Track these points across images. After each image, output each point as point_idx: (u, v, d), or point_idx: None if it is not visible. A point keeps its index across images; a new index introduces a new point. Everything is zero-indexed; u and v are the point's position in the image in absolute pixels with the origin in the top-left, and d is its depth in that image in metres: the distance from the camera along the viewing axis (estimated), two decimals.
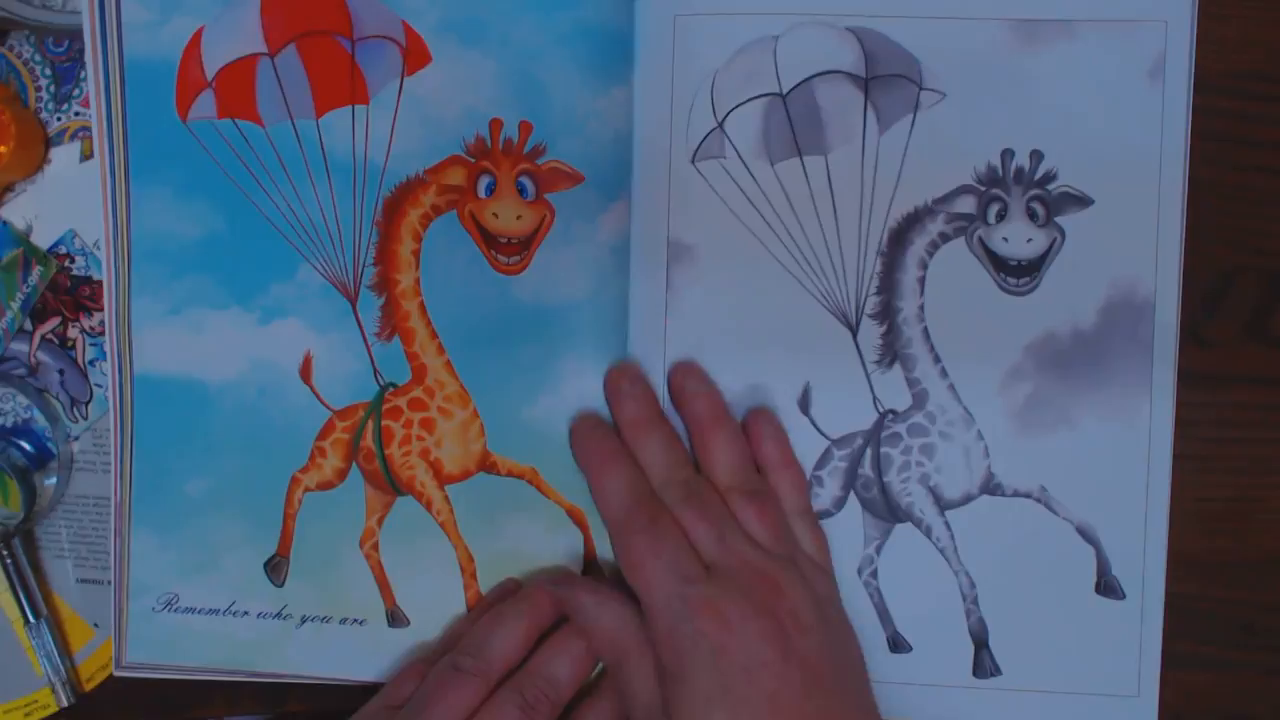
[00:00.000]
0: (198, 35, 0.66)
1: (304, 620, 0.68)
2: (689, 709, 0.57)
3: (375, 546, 0.68)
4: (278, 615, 0.68)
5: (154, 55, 0.66)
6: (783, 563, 0.60)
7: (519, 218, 0.66)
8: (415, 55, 0.66)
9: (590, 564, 0.67)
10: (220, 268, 0.67)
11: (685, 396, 0.65)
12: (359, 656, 0.68)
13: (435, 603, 0.68)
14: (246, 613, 0.68)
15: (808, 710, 0.57)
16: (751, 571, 0.59)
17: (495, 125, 0.66)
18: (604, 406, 0.66)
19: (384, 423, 0.67)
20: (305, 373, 0.67)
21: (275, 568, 0.68)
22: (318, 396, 0.67)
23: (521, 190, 0.66)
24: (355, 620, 0.68)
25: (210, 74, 0.66)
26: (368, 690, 0.67)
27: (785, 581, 0.59)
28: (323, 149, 0.66)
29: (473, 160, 0.66)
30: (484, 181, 0.66)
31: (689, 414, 0.65)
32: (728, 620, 0.57)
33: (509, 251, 0.66)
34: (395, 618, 0.68)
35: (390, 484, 0.68)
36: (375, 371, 0.67)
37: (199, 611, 0.68)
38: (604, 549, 0.67)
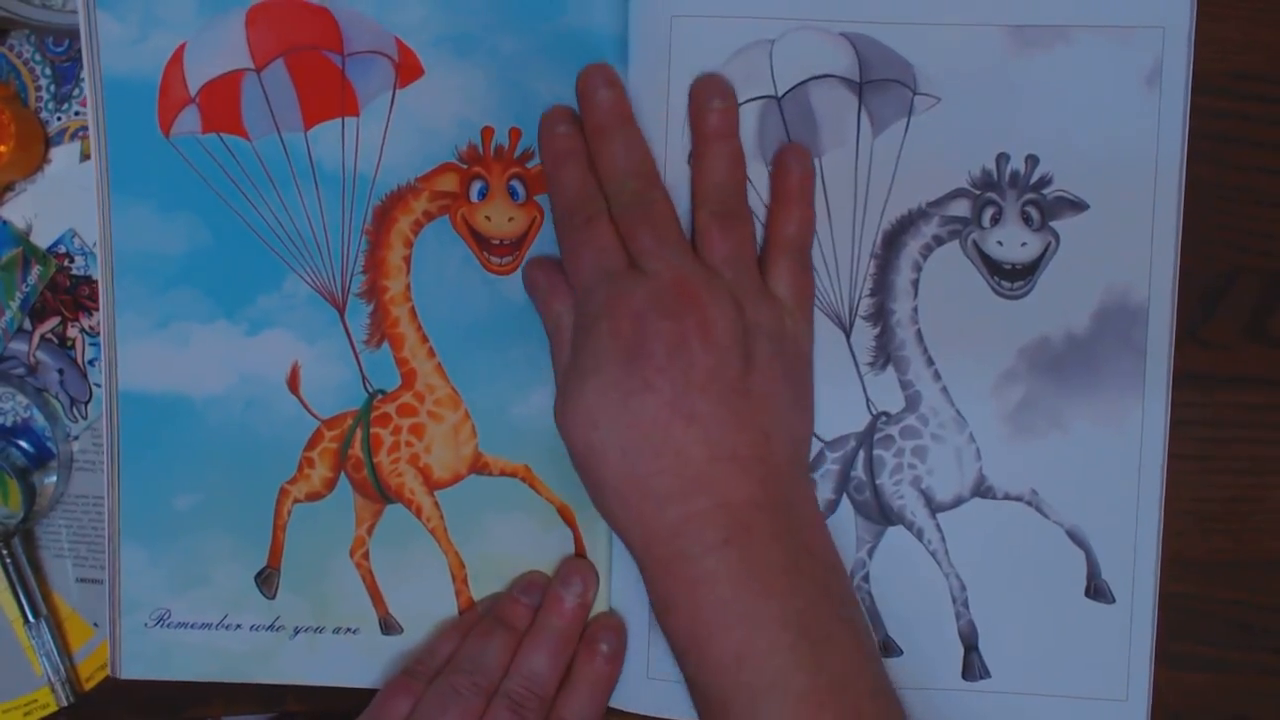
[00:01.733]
0: (179, 51, 0.65)
1: (297, 631, 0.68)
2: (571, 379, 0.60)
3: (366, 555, 0.68)
4: (270, 627, 0.68)
5: (133, 71, 0.66)
6: (718, 281, 0.60)
7: (511, 220, 0.66)
8: (407, 69, 0.66)
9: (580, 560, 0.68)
10: (206, 281, 0.67)
11: (698, 109, 0.64)
12: (353, 665, 0.68)
13: (427, 610, 0.68)
14: (239, 626, 0.68)
15: (672, 417, 0.57)
16: (675, 279, 0.59)
17: (487, 133, 0.66)
18: None
19: (373, 430, 0.68)
20: (293, 383, 0.67)
21: (266, 580, 0.68)
22: (306, 407, 0.67)
23: (513, 193, 0.66)
24: (348, 629, 0.68)
25: (193, 89, 0.66)
26: (365, 691, 0.68)
27: (708, 296, 0.59)
28: (311, 161, 0.66)
29: (465, 166, 0.66)
30: (476, 186, 0.66)
31: (696, 127, 0.64)
32: (631, 310, 0.58)
33: (501, 253, 0.67)
34: (388, 626, 0.68)
35: (379, 492, 0.68)
36: (364, 379, 0.67)
37: (191, 626, 0.68)
38: (593, 546, 0.68)
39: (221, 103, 0.66)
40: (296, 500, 0.68)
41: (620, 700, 0.67)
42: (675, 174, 0.65)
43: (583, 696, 0.65)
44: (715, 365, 0.58)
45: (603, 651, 0.66)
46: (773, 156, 0.65)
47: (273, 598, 0.68)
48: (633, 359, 0.58)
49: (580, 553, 0.68)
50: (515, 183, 0.66)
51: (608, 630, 0.66)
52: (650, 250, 0.60)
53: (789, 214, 0.64)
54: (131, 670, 0.69)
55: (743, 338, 0.59)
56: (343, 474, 0.68)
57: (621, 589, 0.67)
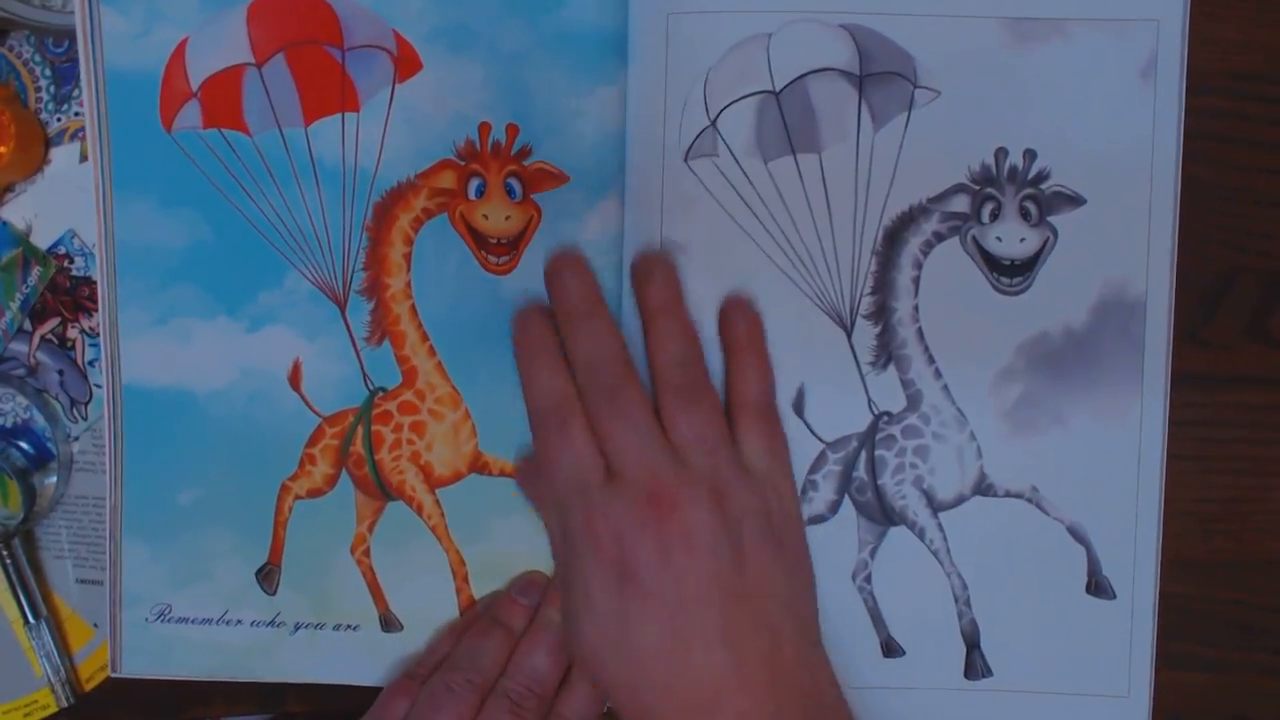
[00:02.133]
0: (181, 46, 0.66)
1: (297, 627, 0.68)
2: (569, 608, 0.59)
3: (366, 553, 0.68)
4: (271, 623, 0.68)
5: (136, 66, 0.66)
6: (692, 473, 0.59)
7: (507, 218, 0.66)
8: (406, 63, 0.66)
9: None
10: (207, 277, 0.67)
11: (639, 284, 0.64)
12: (354, 662, 0.68)
13: (428, 607, 0.68)
14: (240, 621, 0.68)
15: (674, 646, 0.56)
16: (651, 482, 0.57)
17: (484, 129, 0.66)
18: None
19: (374, 427, 0.68)
20: (294, 380, 0.67)
21: (267, 576, 0.68)
22: (307, 403, 0.67)
23: (509, 191, 0.66)
24: (349, 626, 0.68)
25: (195, 84, 0.66)
26: (366, 691, 0.68)
27: (687, 495, 0.57)
28: (311, 156, 0.66)
29: (463, 163, 0.66)
30: (474, 184, 0.66)
31: (641, 301, 0.63)
32: (611, 530, 0.57)
33: (499, 252, 0.66)
34: (388, 623, 0.68)
35: (380, 489, 0.68)
36: (364, 376, 0.67)
37: (192, 621, 0.68)
38: None
39: (223, 98, 0.66)
40: (298, 496, 0.68)
41: None
42: (673, 172, 0.65)
43: (583, 696, 0.65)
44: (706, 572, 0.57)
45: (520, 601, 0.66)
46: (719, 310, 0.65)
47: (273, 594, 0.68)
48: (622, 584, 0.56)
49: None
50: (512, 180, 0.66)
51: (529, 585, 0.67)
52: (624, 448, 0.58)
53: (745, 369, 0.63)
54: (132, 666, 0.69)
55: (728, 531, 0.57)
56: (344, 471, 0.68)
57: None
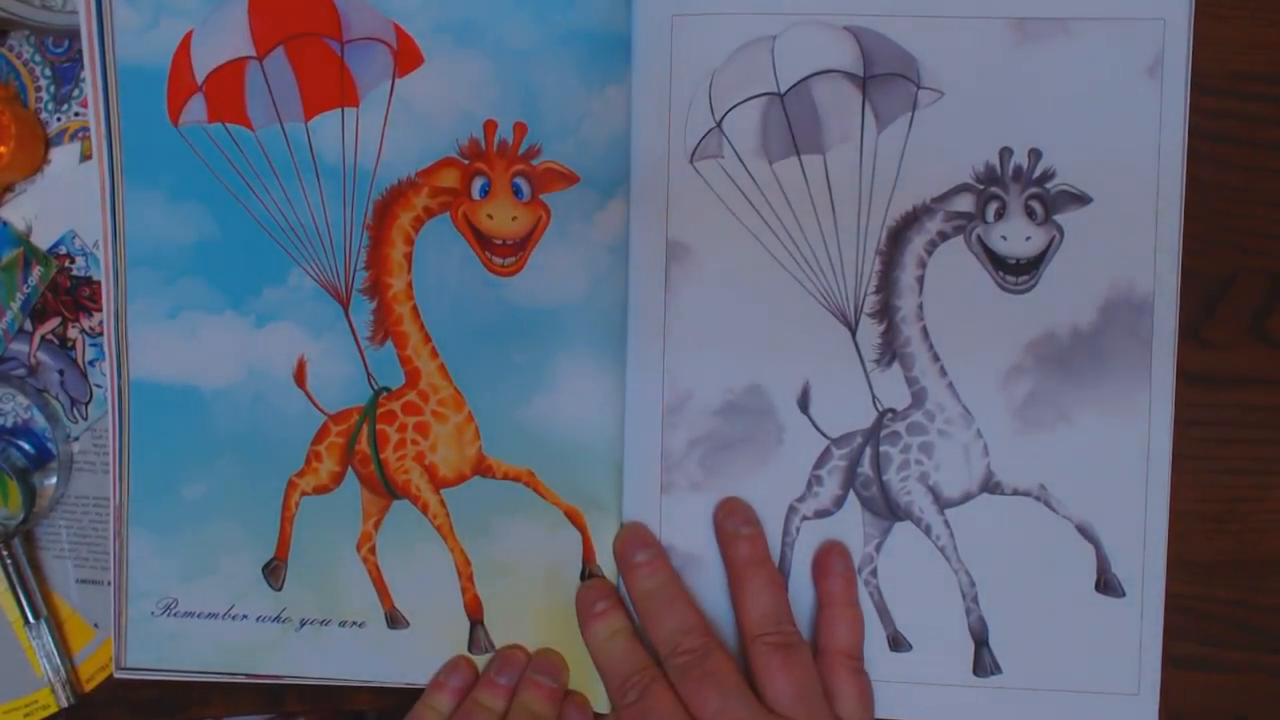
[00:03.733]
0: (187, 38, 0.66)
1: (303, 623, 0.68)
2: None
3: (372, 550, 0.68)
4: (276, 619, 0.68)
5: (145, 59, 0.66)
6: None
7: (514, 219, 0.66)
8: (406, 57, 0.66)
9: (589, 564, 0.67)
10: (214, 272, 0.67)
11: (727, 537, 0.65)
12: (359, 658, 0.68)
13: (433, 605, 0.68)
14: (245, 616, 0.68)
15: None
16: None
17: (489, 127, 0.66)
18: (600, 408, 0.67)
19: (378, 427, 0.67)
20: (299, 377, 0.67)
21: (273, 571, 0.68)
22: (312, 401, 0.67)
23: (516, 191, 0.66)
24: (354, 623, 0.68)
25: (200, 77, 0.66)
26: (366, 691, 0.68)
27: None
28: (312, 152, 0.66)
29: (466, 162, 0.66)
30: (478, 183, 0.66)
31: (730, 556, 0.65)
32: None
33: (504, 253, 0.66)
34: (394, 620, 0.68)
35: (386, 488, 0.68)
36: (369, 376, 0.67)
37: (198, 615, 0.68)
38: (603, 550, 0.67)
39: (226, 91, 0.66)
40: (304, 493, 0.68)
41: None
42: (679, 174, 0.65)
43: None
44: None
45: (545, 683, 0.66)
46: (813, 557, 0.66)
47: (279, 589, 0.68)
48: None
49: (589, 556, 0.67)
50: (519, 180, 0.66)
51: (550, 668, 0.67)
52: (718, 712, 0.59)
53: (840, 621, 0.64)
54: (136, 659, 0.69)
55: None
56: (350, 469, 0.68)
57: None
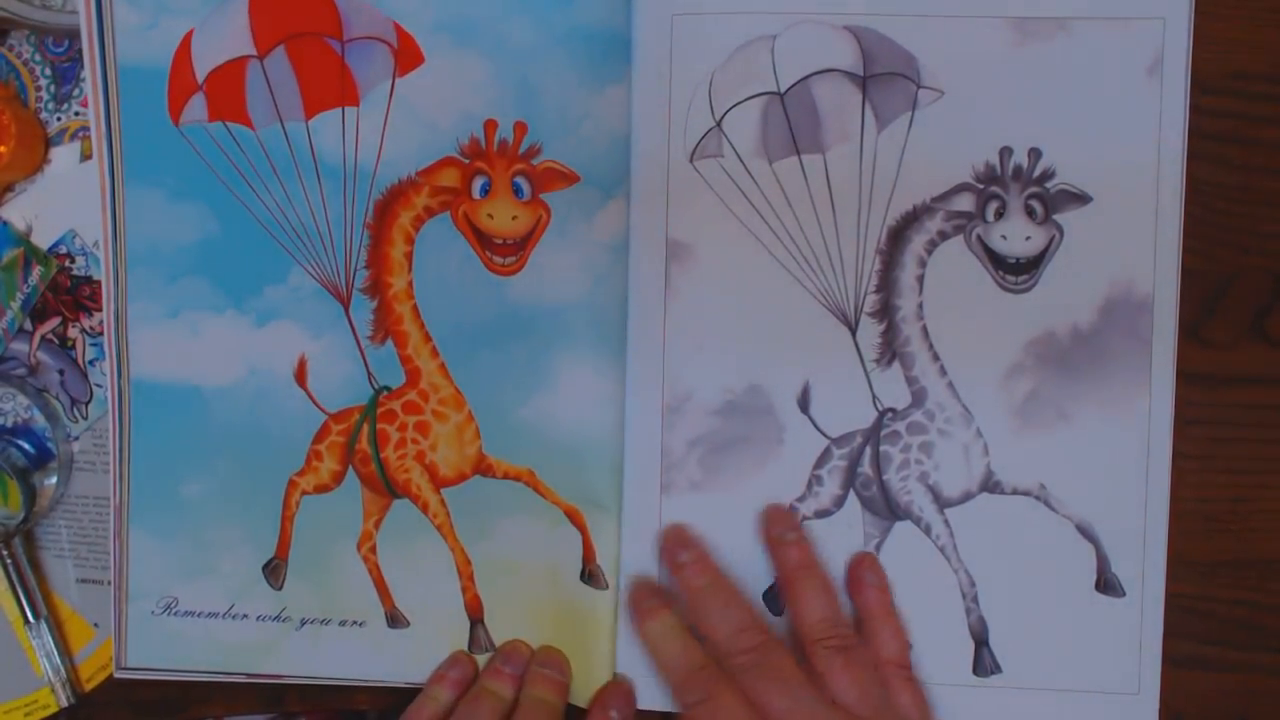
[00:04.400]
0: (188, 38, 0.66)
1: (303, 622, 0.68)
2: None
3: (373, 549, 0.68)
4: (277, 618, 0.68)
5: (146, 58, 0.66)
6: None
7: (514, 218, 0.66)
8: (407, 56, 0.66)
9: (588, 564, 0.67)
10: (215, 271, 0.67)
11: (777, 543, 0.65)
12: (359, 657, 0.68)
13: (434, 604, 0.68)
14: (246, 615, 0.68)
15: None
16: None
17: (490, 126, 0.66)
18: (600, 407, 0.67)
19: (379, 426, 0.67)
20: (300, 376, 0.67)
21: (274, 570, 0.68)
22: (312, 400, 0.67)
23: (517, 191, 0.66)
24: (355, 622, 0.68)
25: (201, 77, 0.66)
26: (366, 692, 0.68)
27: None
28: (313, 151, 0.66)
29: (467, 161, 0.66)
30: (479, 182, 0.66)
31: (780, 561, 0.65)
32: None
33: (504, 252, 0.66)
34: (395, 619, 0.68)
35: (386, 487, 0.68)
36: (369, 375, 0.67)
37: (198, 615, 0.68)
38: (603, 549, 0.67)
39: (227, 90, 0.66)
40: (305, 492, 0.68)
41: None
42: (679, 173, 0.65)
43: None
44: None
45: (611, 716, 0.66)
46: (846, 570, 0.66)
47: (280, 588, 0.68)
48: None
49: (589, 555, 0.67)
50: (520, 180, 0.66)
51: (618, 697, 0.67)
52: (788, 710, 0.59)
53: (879, 630, 0.64)
54: (136, 658, 0.69)
55: None
56: (350, 468, 0.68)
57: (628, 587, 0.67)
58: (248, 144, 0.66)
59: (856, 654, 0.62)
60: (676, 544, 0.65)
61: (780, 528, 0.65)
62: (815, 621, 0.62)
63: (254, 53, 0.65)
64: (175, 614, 0.68)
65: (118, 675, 0.69)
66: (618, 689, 0.67)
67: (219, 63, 0.66)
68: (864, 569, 0.65)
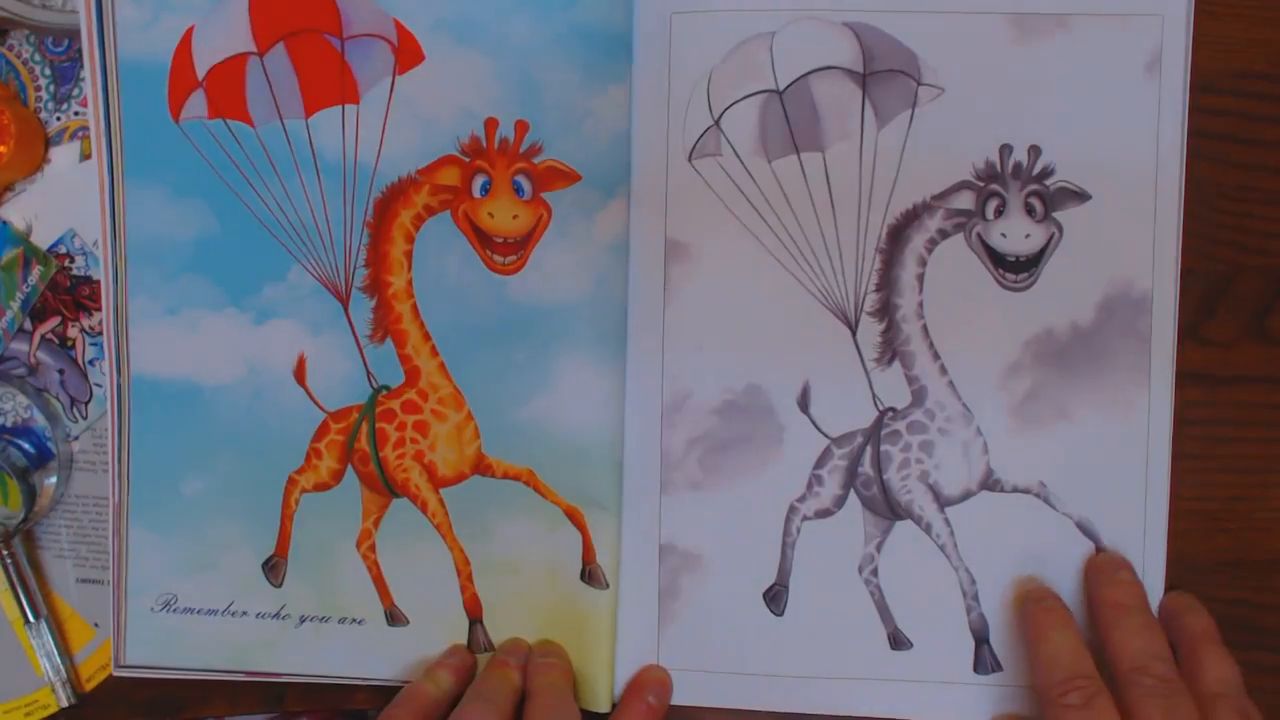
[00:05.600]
0: (188, 34, 0.66)
1: (303, 620, 0.68)
2: None
3: (372, 548, 0.68)
4: (276, 615, 0.68)
5: (147, 55, 0.66)
6: None
7: (515, 217, 0.66)
8: (407, 54, 0.65)
9: (588, 563, 0.67)
10: (215, 268, 0.67)
11: (1103, 583, 0.64)
12: (359, 656, 0.68)
13: (433, 603, 0.68)
14: (245, 613, 0.68)
15: None
16: None
17: (490, 125, 0.66)
18: (600, 407, 0.67)
19: (378, 425, 0.67)
20: (299, 374, 0.67)
21: (273, 568, 0.68)
22: (312, 398, 0.67)
23: (518, 190, 0.66)
24: (354, 620, 0.68)
25: (201, 73, 0.66)
26: (366, 691, 0.68)
27: None
28: (312, 149, 0.66)
29: (467, 160, 0.66)
30: (479, 181, 0.66)
31: (1104, 598, 0.63)
32: None
33: (505, 251, 0.66)
34: (394, 617, 0.68)
35: (386, 486, 0.68)
36: (368, 374, 0.67)
37: (198, 612, 0.68)
38: (603, 549, 0.67)
39: (227, 87, 0.66)
40: (304, 490, 0.68)
41: None
42: (678, 172, 0.65)
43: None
44: None
45: (649, 702, 0.66)
46: (1166, 608, 0.65)
47: (279, 586, 0.68)
48: None
49: (589, 556, 0.67)
50: (520, 179, 0.66)
51: (657, 685, 0.66)
52: None
53: (1216, 658, 0.62)
54: (135, 655, 0.69)
55: None
56: (350, 466, 0.68)
57: (630, 588, 0.67)
58: (247, 141, 0.66)
59: (1180, 693, 0.59)
60: (1111, 561, 0.65)
61: (1113, 564, 0.64)
62: (1138, 659, 0.60)
63: (254, 49, 0.65)
64: (175, 611, 0.68)
65: (116, 673, 0.69)
66: (656, 676, 0.67)
67: (219, 59, 0.66)
68: (1187, 605, 0.64)
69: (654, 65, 0.65)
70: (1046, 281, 0.64)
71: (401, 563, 0.68)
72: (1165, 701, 0.58)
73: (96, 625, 0.71)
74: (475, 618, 0.68)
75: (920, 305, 0.65)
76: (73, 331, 0.70)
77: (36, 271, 0.70)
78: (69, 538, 0.71)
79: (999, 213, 0.64)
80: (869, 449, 0.66)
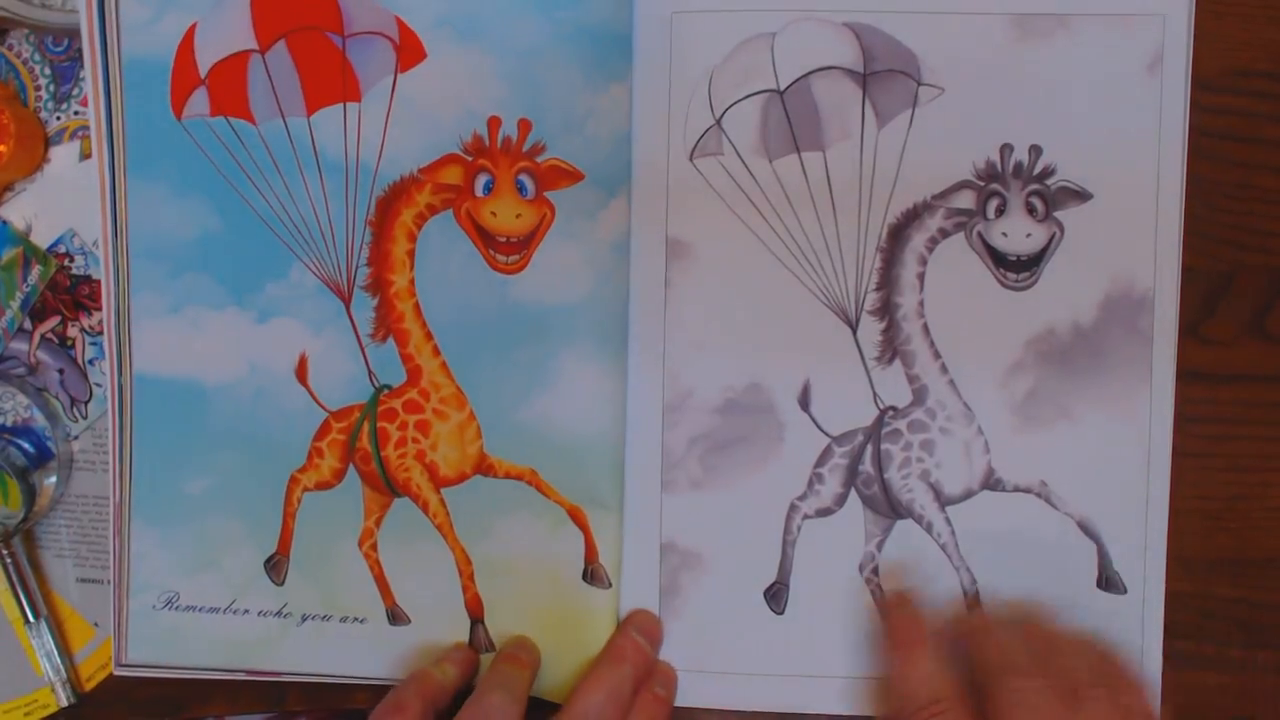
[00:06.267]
0: (191, 31, 0.66)
1: (304, 619, 0.68)
2: None
3: (374, 547, 0.68)
4: (278, 614, 0.68)
5: (150, 52, 0.66)
6: None
7: (518, 216, 0.66)
8: (409, 52, 0.65)
9: (590, 563, 0.67)
10: (217, 266, 0.67)
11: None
12: (360, 654, 0.68)
13: (435, 602, 0.68)
14: (247, 611, 0.68)
15: None
16: None
17: (493, 123, 0.66)
18: (603, 406, 0.67)
19: (380, 425, 0.67)
20: (301, 373, 0.67)
21: (275, 566, 0.68)
22: (313, 397, 0.67)
23: (521, 189, 0.66)
24: (355, 619, 0.68)
25: (203, 71, 0.66)
26: (366, 691, 0.68)
27: None
28: (314, 147, 0.66)
29: (470, 159, 0.66)
30: (482, 180, 0.66)
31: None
32: None
33: (508, 250, 0.66)
34: (395, 616, 0.68)
35: (387, 486, 0.68)
36: (370, 373, 0.67)
37: (199, 610, 0.68)
38: (605, 549, 0.67)
39: (229, 85, 0.66)
40: (306, 489, 0.68)
41: None
42: (679, 171, 0.65)
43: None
44: None
45: (658, 694, 0.65)
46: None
47: (281, 584, 0.68)
48: None
49: (591, 556, 0.67)
50: (524, 178, 0.66)
51: (664, 678, 0.66)
52: None
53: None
54: (137, 653, 0.69)
55: None
56: (351, 465, 0.67)
57: (631, 587, 0.67)
58: (249, 139, 0.66)
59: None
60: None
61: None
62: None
63: (255, 47, 0.65)
64: (176, 609, 0.68)
65: (117, 672, 0.69)
66: (664, 672, 0.67)
67: (221, 57, 0.66)
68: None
69: (655, 64, 0.65)
70: (1047, 281, 0.64)
71: (403, 562, 0.68)
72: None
73: (96, 625, 0.71)
74: (477, 617, 0.68)
75: (921, 304, 0.65)
76: (73, 331, 0.70)
77: (36, 271, 0.70)
78: (69, 538, 0.71)
79: (1000, 212, 0.64)
80: (870, 448, 0.66)
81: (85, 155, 0.70)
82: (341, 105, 0.66)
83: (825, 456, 0.66)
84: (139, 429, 0.68)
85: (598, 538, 0.67)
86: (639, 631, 0.66)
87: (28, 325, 0.70)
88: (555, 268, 0.66)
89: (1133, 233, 0.64)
